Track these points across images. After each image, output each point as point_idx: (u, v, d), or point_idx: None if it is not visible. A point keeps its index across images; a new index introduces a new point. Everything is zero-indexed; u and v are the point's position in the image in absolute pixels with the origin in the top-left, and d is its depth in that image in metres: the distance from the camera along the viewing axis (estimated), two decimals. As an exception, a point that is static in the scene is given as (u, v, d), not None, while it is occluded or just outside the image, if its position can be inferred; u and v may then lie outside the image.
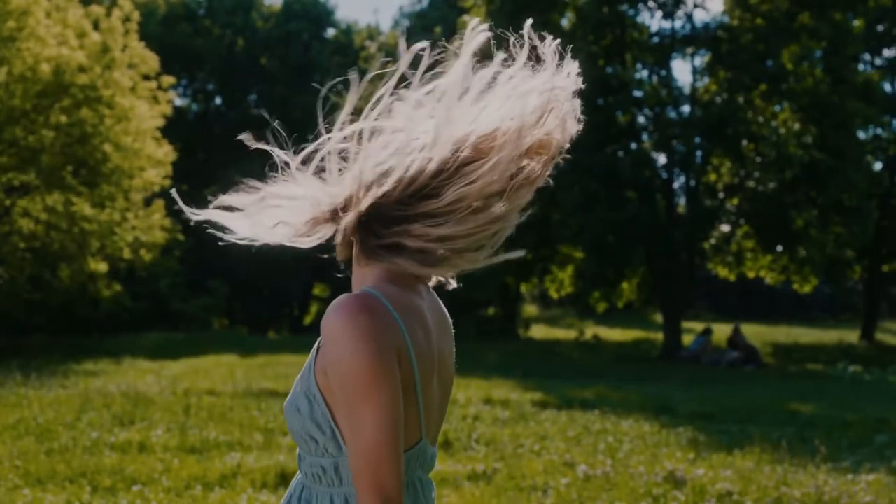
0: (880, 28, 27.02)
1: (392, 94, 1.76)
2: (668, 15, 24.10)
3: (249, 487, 6.68)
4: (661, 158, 23.98)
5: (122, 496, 6.32)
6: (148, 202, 23.01)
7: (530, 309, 37.17)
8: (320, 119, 1.76)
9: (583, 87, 1.79)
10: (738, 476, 7.26)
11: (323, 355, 1.72)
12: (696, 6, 23.84)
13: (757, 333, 26.91)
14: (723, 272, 25.01)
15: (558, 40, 1.78)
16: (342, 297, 1.70)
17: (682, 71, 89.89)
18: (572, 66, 1.80)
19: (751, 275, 24.97)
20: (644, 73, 24.81)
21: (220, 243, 1.85)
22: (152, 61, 22.25)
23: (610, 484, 6.92)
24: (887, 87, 27.52)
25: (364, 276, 1.81)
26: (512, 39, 1.78)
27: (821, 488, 6.80)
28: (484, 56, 1.74)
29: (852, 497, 6.65)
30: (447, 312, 1.97)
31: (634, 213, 21.76)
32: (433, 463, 1.91)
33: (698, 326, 26.24)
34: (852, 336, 28.95)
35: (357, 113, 1.75)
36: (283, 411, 1.88)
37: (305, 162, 1.78)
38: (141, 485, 6.63)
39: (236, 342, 23.39)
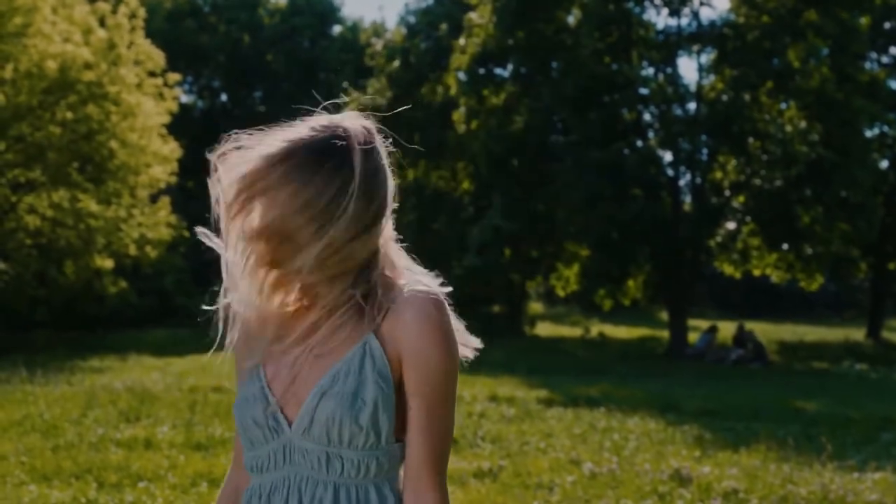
0: (887, 26, 26.96)
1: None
2: (675, 12, 24.03)
3: (255, 484, 6.67)
4: (667, 156, 23.95)
5: (127, 492, 6.32)
6: (154, 199, 23.03)
7: (536, 306, 37.12)
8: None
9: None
10: (743, 474, 7.25)
11: (401, 347, 1.64)
12: (702, 4, 23.76)
13: (762, 331, 26.84)
14: (728, 270, 24.97)
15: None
16: (429, 292, 1.64)
17: (688, 68, 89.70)
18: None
19: (756, 272, 24.92)
20: (650, 71, 24.75)
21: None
22: (158, 58, 22.27)
23: (616, 481, 6.91)
24: (893, 84, 27.43)
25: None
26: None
27: (827, 486, 6.78)
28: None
29: (858, 495, 6.63)
30: None
31: (640, 211, 21.72)
32: None
33: (703, 324, 26.21)
34: (858, 334, 28.89)
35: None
36: (322, 400, 1.71)
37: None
38: (147, 481, 6.64)
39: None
